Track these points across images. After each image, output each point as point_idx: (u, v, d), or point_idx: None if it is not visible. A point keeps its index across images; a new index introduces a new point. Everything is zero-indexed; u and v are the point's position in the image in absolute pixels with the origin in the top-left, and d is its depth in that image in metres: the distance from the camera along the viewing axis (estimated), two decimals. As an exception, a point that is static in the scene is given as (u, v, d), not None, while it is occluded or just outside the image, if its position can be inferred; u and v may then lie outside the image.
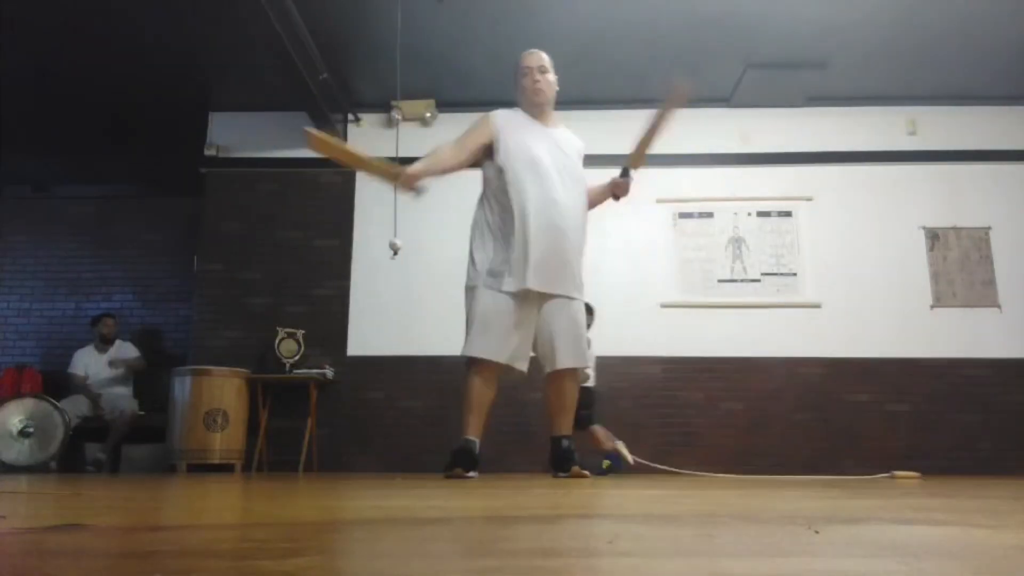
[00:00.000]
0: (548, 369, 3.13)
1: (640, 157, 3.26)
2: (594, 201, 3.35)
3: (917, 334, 5.35)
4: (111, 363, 5.70)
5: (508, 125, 3.15)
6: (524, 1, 4.61)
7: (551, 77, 3.25)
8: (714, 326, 5.42)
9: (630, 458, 4.34)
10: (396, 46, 4.35)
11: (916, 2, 4.60)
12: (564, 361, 3.07)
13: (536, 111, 3.23)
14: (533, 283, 2.97)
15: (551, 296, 3.07)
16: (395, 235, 4.54)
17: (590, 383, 4.27)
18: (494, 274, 3.03)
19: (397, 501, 1.56)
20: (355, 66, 5.35)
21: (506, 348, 3.01)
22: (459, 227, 3.31)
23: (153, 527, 1.00)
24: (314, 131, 2.86)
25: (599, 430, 4.37)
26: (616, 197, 3.36)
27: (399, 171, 2.96)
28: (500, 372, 3.07)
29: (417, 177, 2.95)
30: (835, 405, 5.27)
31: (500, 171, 3.08)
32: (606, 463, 4.43)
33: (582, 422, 4.34)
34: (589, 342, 3.70)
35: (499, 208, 3.09)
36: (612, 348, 5.32)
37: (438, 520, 1.10)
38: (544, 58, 3.25)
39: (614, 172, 5.76)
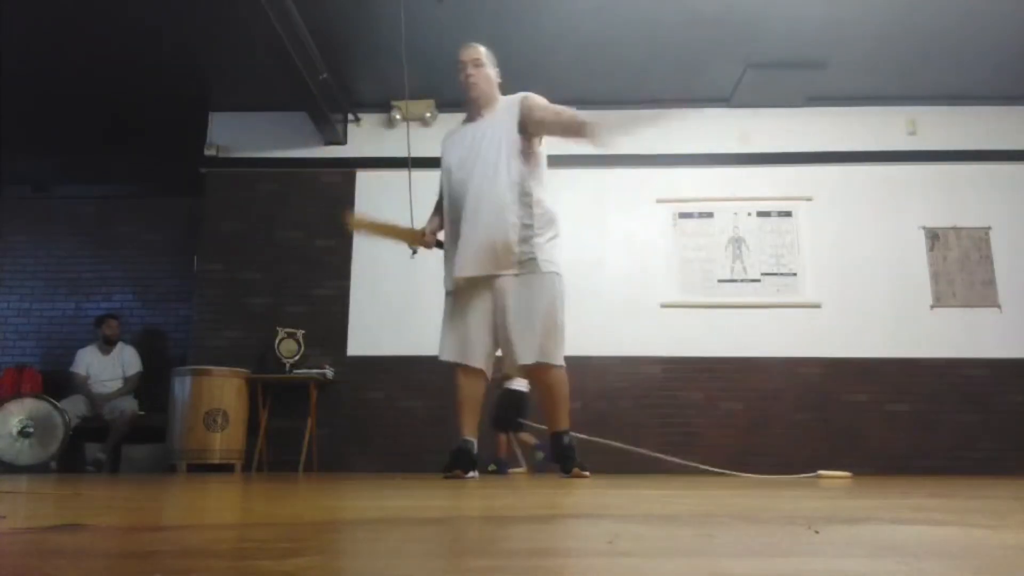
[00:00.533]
0: (508, 365, 3.10)
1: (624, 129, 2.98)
2: (556, 127, 3.07)
3: (917, 334, 5.35)
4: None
5: (448, 139, 3.28)
6: (524, 1, 4.61)
7: (489, 71, 3.21)
8: (714, 326, 5.41)
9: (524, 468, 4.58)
10: (400, 46, 4.34)
11: (916, 1, 4.59)
12: (522, 356, 2.98)
13: (472, 106, 3.23)
14: (455, 274, 3.06)
15: (495, 286, 3.03)
16: None
17: (521, 387, 4.26)
18: (445, 275, 3.20)
19: (397, 501, 1.56)
20: (355, 66, 5.35)
21: (461, 348, 3.09)
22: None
23: (153, 527, 1.00)
24: (355, 215, 3.14)
25: (503, 439, 4.60)
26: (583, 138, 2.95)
27: (420, 232, 3.32)
28: (479, 370, 3.09)
29: (435, 233, 3.29)
30: (835, 405, 5.27)
31: (440, 183, 3.28)
32: (491, 467, 4.58)
33: (502, 423, 4.46)
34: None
35: (442, 216, 3.27)
36: (612, 348, 5.33)
37: (438, 520, 1.10)
38: (480, 51, 3.22)
39: (613, 172, 5.74)
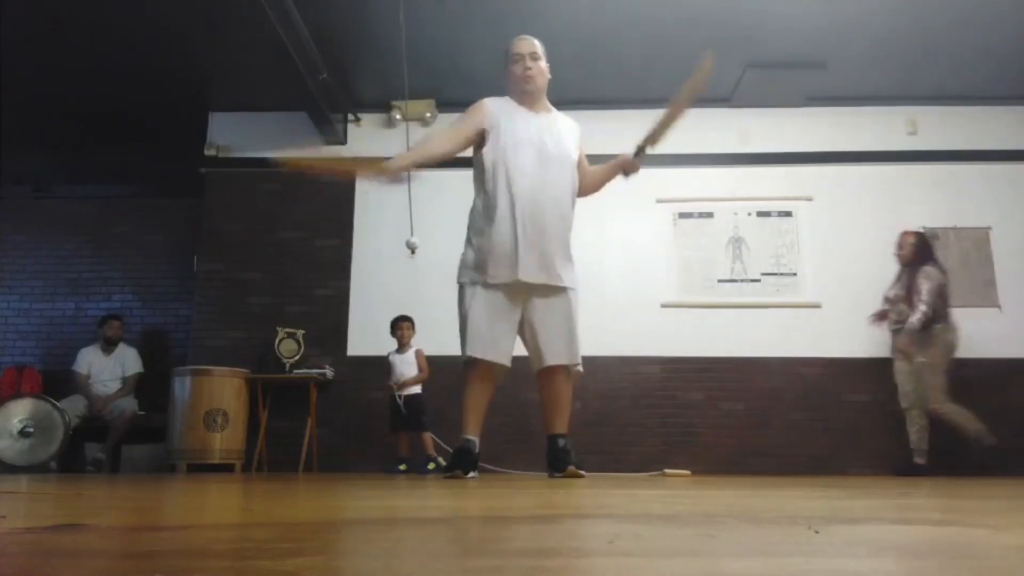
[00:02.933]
0: (536, 367, 3.10)
1: (658, 135, 3.11)
2: (601, 180, 3.30)
3: (917, 334, 5.33)
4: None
5: (500, 113, 3.12)
6: (524, 1, 4.61)
7: (543, 64, 3.17)
8: (714, 326, 5.41)
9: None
10: (400, 46, 4.35)
11: (916, 2, 4.60)
12: (552, 358, 3.04)
13: (526, 99, 3.15)
14: (509, 275, 2.97)
15: (535, 288, 3.03)
16: (412, 233, 4.58)
17: (418, 390, 4.86)
18: (477, 267, 3.04)
19: (397, 501, 1.56)
20: (355, 66, 5.35)
21: (492, 344, 3.01)
22: (458, 225, 3.30)
23: (153, 527, 1.00)
24: (282, 157, 2.98)
25: (429, 438, 4.81)
26: (626, 174, 3.23)
27: (383, 164, 2.99)
28: (496, 370, 3.07)
29: (400, 170, 3.01)
30: (835, 405, 5.26)
31: (487, 160, 3.07)
32: (431, 465, 4.72)
33: (412, 425, 4.81)
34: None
35: (485, 198, 3.08)
36: (612, 348, 5.32)
37: (438, 520, 1.10)
38: (536, 44, 3.18)
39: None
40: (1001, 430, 5.20)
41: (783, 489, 2.16)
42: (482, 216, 3.06)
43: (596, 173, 3.29)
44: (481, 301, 3.01)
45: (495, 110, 3.12)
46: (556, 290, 3.06)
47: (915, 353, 4.70)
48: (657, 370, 5.37)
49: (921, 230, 5.08)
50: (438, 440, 4.86)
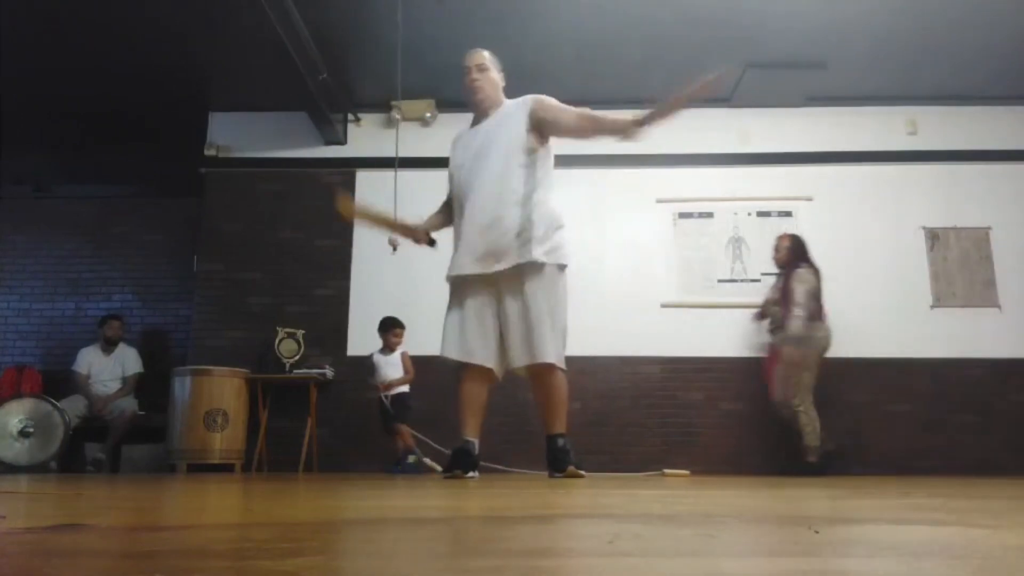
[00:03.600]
0: (511, 365, 3.09)
1: (661, 117, 2.95)
2: (598, 130, 3.08)
3: (917, 334, 5.34)
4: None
5: (455, 147, 3.31)
6: (524, 1, 4.61)
7: (493, 75, 3.25)
8: (714, 326, 5.41)
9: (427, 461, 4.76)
10: (397, 46, 4.35)
11: (916, 2, 4.60)
12: (521, 357, 3.01)
13: (477, 108, 3.27)
14: (463, 269, 3.09)
15: (500, 284, 3.05)
16: None
17: (405, 389, 4.88)
18: (449, 272, 3.21)
19: (397, 501, 1.56)
20: (355, 66, 5.35)
21: (464, 346, 3.08)
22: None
23: (153, 527, 1.00)
24: (348, 201, 3.28)
25: (406, 431, 4.82)
26: (624, 137, 3.00)
27: (414, 228, 3.32)
28: (484, 370, 3.09)
29: (429, 232, 3.33)
30: (835, 405, 5.26)
31: (451, 184, 3.30)
32: (412, 457, 4.72)
33: (401, 420, 4.83)
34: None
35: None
36: (612, 348, 5.33)
37: (438, 520, 1.10)
38: (484, 56, 3.27)
39: (613, 172, 5.75)
40: (1001, 430, 5.21)
41: (783, 489, 2.16)
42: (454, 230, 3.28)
43: (595, 120, 3.08)
44: (453, 305, 3.17)
45: (455, 146, 3.32)
46: (521, 275, 3.02)
47: (799, 361, 4.67)
48: (657, 370, 5.37)
49: (795, 233, 5.07)
50: (417, 434, 4.87)
